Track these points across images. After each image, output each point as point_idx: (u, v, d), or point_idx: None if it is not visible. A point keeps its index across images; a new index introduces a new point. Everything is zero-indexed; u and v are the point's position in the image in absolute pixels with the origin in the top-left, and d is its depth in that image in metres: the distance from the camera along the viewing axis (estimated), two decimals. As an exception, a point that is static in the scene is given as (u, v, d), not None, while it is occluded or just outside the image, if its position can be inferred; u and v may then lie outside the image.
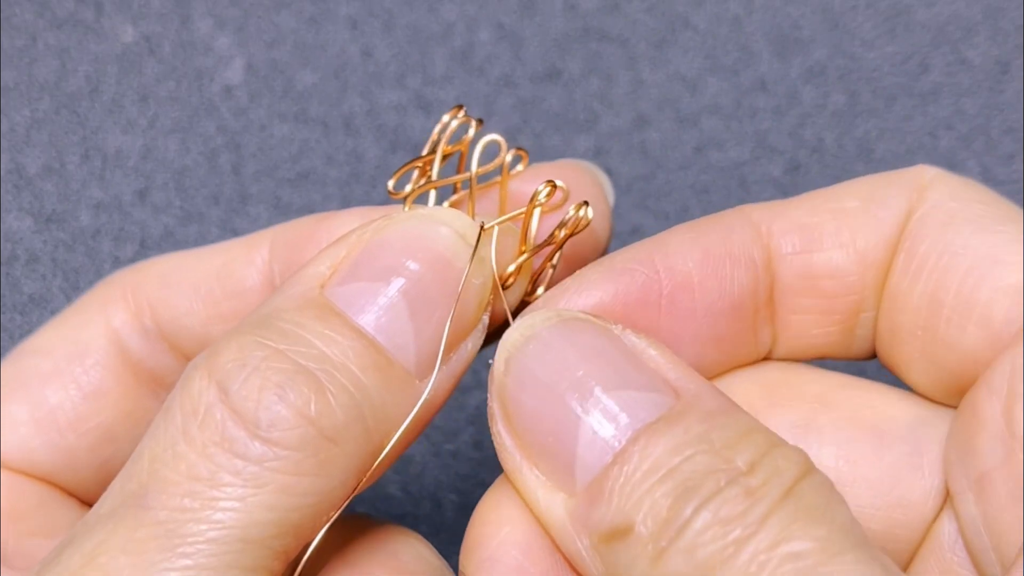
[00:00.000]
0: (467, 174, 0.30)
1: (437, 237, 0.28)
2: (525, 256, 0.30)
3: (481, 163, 0.30)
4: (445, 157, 0.30)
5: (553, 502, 0.26)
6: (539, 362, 0.27)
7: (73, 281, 0.48)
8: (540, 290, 0.31)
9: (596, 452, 0.25)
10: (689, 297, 0.29)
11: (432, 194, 0.30)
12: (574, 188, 0.32)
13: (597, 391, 0.26)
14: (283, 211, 0.49)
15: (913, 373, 0.29)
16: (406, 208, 0.30)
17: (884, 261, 0.29)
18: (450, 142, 0.31)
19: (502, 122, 0.50)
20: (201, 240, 0.49)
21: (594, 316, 0.27)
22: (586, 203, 0.30)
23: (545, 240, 0.30)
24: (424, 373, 0.28)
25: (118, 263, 0.48)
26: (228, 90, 0.51)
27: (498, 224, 0.29)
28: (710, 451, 0.24)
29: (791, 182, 0.48)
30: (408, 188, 0.30)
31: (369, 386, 0.27)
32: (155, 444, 0.26)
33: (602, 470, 0.25)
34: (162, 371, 0.33)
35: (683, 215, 0.48)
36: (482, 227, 0.29)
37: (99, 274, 0.48)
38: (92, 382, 0.33)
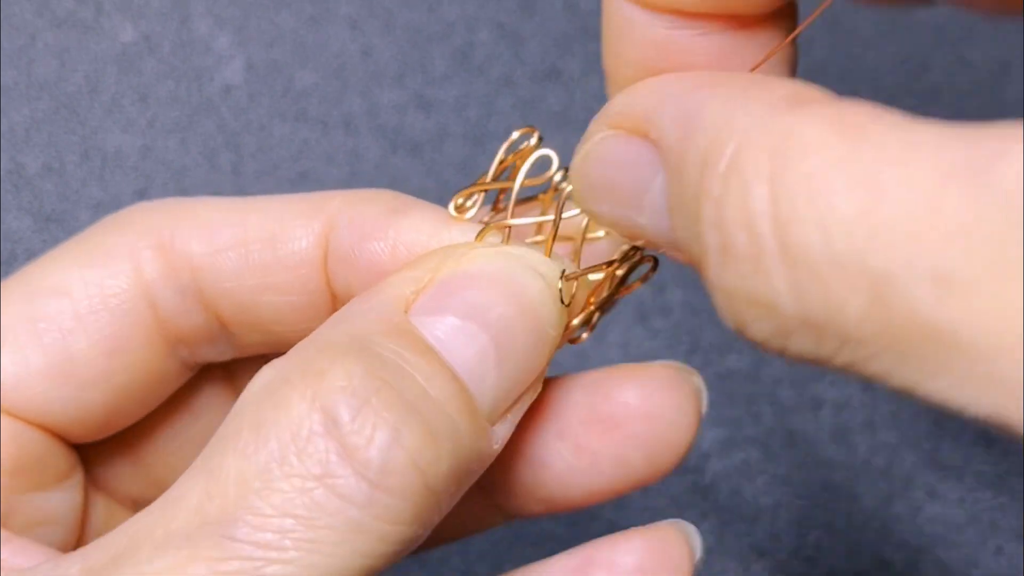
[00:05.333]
0: (547, 216, 0.29)
1: (530, 283, 0.27)
2: (596, 314, 0.29)
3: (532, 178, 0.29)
4: (522, 199, 0.29)
5: None
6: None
7: (73, 281, 0.48)
8: (585, 335, 0.30)
9: None
10: None
11: (479, 199, 0.29)
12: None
13: None
14: (283, 211, 0.49)
15: None
16: (479, 239, 0.28)
17: None
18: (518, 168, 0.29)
19: (502, 122, 0.50)
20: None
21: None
22: (655, 260, 0.29)
23: (612, 292, 0.29)
24: (494, 422, 0.27)
25: (118, 263, 0.48)
26: (228, 90, 0.51)
27: (579, 275, 0.28)
28: None
29: (791, 182, 0.48)
30: (468, 206, 0.29)
31: (464, 434, 0.26)
32: (245, 466, 0.24)
33: None
34: (190, 330, 0.31)
35: (683, 215, 0.48)
36: (564, 276, 0.28)
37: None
38: (118, 336, 0.30)
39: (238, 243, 0.30)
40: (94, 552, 0.25)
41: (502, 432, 0.27)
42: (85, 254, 0.31)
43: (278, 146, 0.50)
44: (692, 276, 0.49)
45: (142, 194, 0.49)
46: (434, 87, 0.50)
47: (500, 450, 0.27)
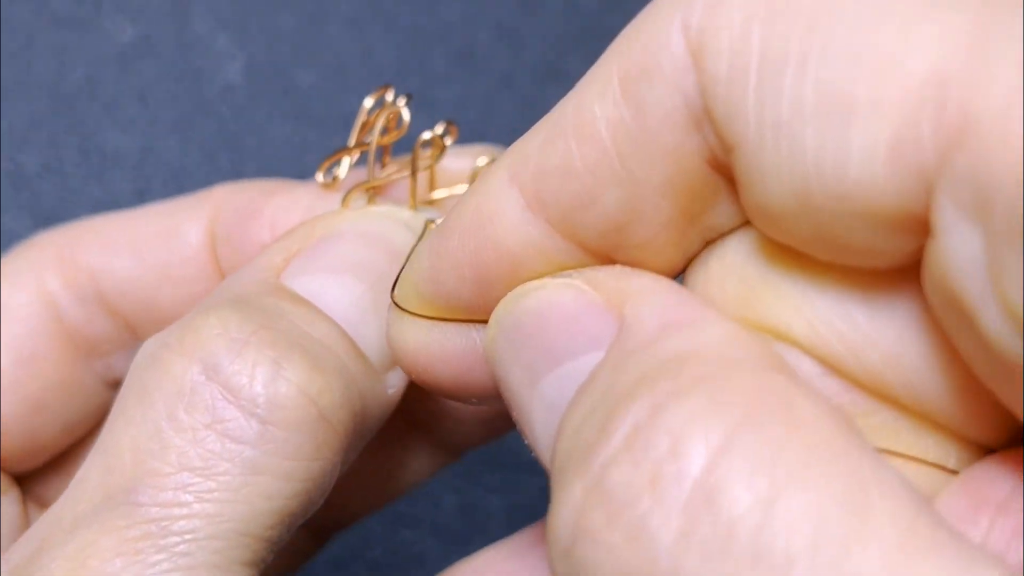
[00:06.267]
0: (405, 172, 0.30)
1: (399, 236, 0.28)
2: None
3: (408, 146, 0.30)
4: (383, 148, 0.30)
5: None
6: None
7: (72, 281, 0.48)
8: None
9: None
10: None
11: (345, 164, 0.30)
12: None
13: None
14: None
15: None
16: (345, 204, 0.29)
17: None
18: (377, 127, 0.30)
19: (502, 122, 0.50)
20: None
21: None
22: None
23: None
24: (385, 370, 0.27)
25: (117, 263, 0.49)
26: (228, 90, 0.51)
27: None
28: None
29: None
30: (336, 175, 0.30)
31: (353, 371, 0.26)
32: (136, 432, 0.24)
33: None
34: (99, 338, 0.31)
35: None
36: (428, 224, 0.29)
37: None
38: (25, 347, 0.30)
39: (131, 245, 0.31)
40: (15, 552, 0.25)
41: (396, 379, 0.27)
42: None
43: (278, 146, 0.50)
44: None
45: (142, 194, 0.49)
46: (434, 87, 0.50)
47: (398, 396, 0.27)
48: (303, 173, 0.50)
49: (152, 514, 0.23)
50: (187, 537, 0.23)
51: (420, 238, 0.28)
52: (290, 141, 0.50)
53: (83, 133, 0.50)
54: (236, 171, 0.50)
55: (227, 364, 0.24)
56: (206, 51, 0.51)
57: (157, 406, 0.24)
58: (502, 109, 0.50)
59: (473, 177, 0.30)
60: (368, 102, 0.30)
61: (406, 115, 0.30)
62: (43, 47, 0.51)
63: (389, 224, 0.28)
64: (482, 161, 0.30)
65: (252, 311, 0.25)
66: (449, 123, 0.30)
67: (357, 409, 0.26)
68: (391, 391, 0.27)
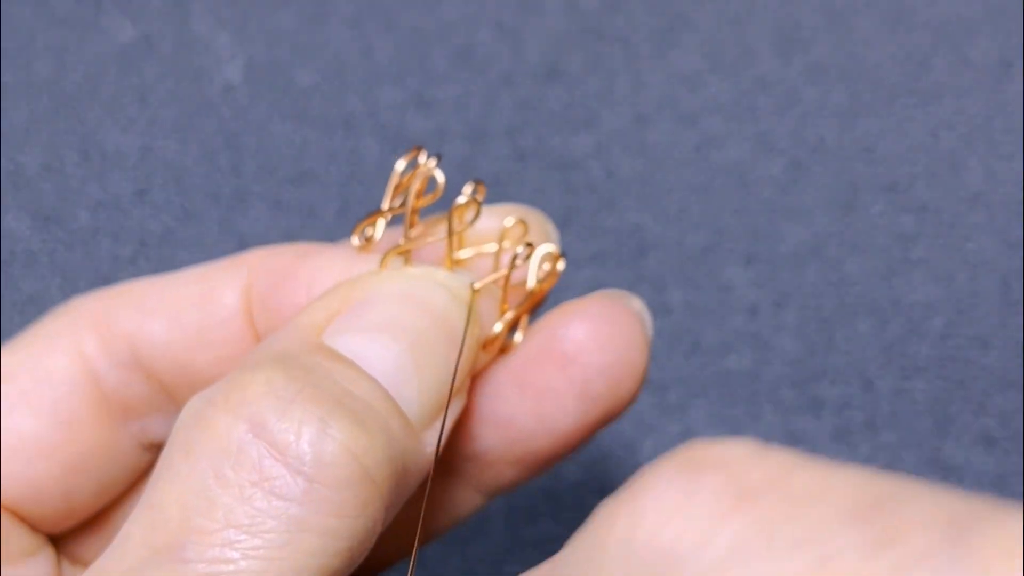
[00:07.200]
0: (437, 234, 0.30)
1: (437, 297, 0.28)
2: (513, 315, 0.31)
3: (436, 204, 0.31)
4: (415, 211, 0.31)
5: None
6: None
7: (72, 281, 0.48)
8: (518, 336, 0.32)
9: None
10: None
11: (380, 227, 0.31)
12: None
13: None
14: (283, 211, 0.49)
15: None
16: (383, 266, 0.30)
17: None
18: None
19: (502, 122, 0.50)
20: (200, 240, 0.49)
21: None
22: (562, 255, 0.31)
23: (528, 299, 0.31)
24: (424, 428, 0.28)
25: (117, 262, 0.48)
26: (228, 90, 0.51)
27: (484, 284, 0.30)
28: None
29: (792, 181, 0.48)
30: (370, 236, 0.31)
31: (395, 430, 0.26)
32: (182, 489, 0.24)
33: None
34: (135, 401, 0.32)
35: (683, 215, 0.48)
36: (472, 288, 0.29)
37: (97, 274, 0.48)
38: (62, 410, 0.31)
39: (167, 309, 0.31)
40: None
41: (432, 437, 0.28)
42: (23, 343, 0.32)
43: (278, 146, 0.50)
44: (692, 276, 0.49)
45: (142, 194, 0.49)
46: (434, 87, 0.50)
47: (432, 456, 0.28)
48: (303, 173, 0.50)
49: (199, 570, 0.23)
50: None
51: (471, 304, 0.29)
52: (290, 141, 0.50)
53: (83, 133, 0.50)
54: (236, 171, 0.50)
55: (274, 422, 0.24)
56: (206, 51, 0.51)
57: (203, 463, 0.24)
58: (502, 109, 0.50)
59: (502, 238, 0.31)
60: (400, 164, 0.31)
61: (440, 177, 0.31)
62: (43, 47, 0.51)
63: (428, 285, 0.29)
64: (509, 221, 0.31)
65: (297, 370, 0.25)
66: (478, 183, 0.31)
67: (399, 468, 0.26)
68: (428, 448, 0.28)
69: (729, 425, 0.45)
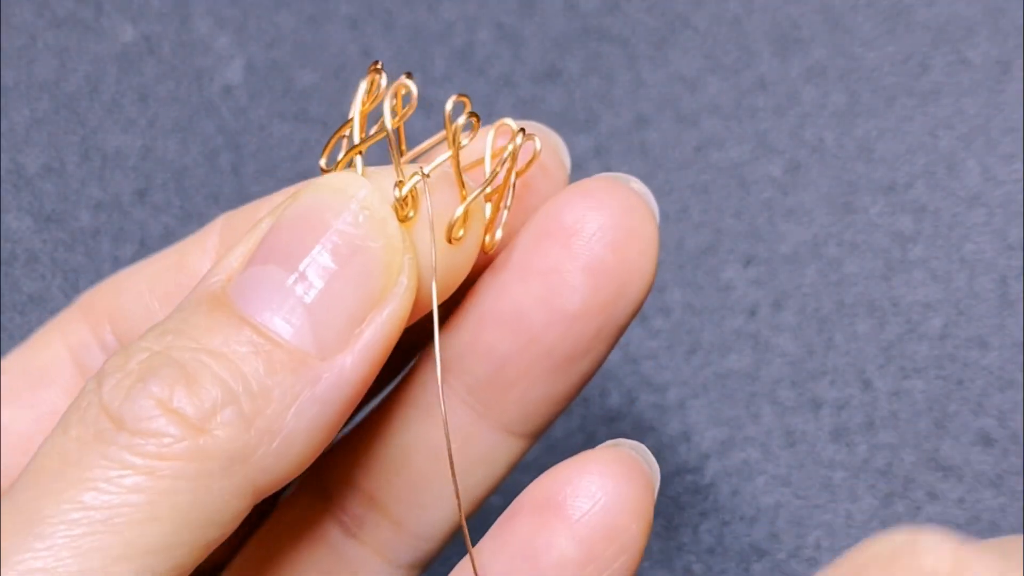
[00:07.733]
0: (384, 130, 0.28)
1: (331, 209, 0.27)
2: (474, 196, 0.28)
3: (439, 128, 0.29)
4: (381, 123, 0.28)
5: None
6: None
7: (73, 281, 0.48)
8: (499, 234, 0.29)
9: None
10: None
11: (359, 165, 0.28)
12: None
13: None
14: (283, 211, 0.49)
15: None
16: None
17: None
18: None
19: (502, 122, 0.50)
20: (201, 240, 0.49)
21: None
22: (523, 130, 0.28)
23: (490, 180, 0.29)
24: (331, 351, 0.27)
25: (118, 263, 0.48)
26: (228, 90, 0.51)
27: (434, 168, 0.28)
28: None
29: (791, 182, 0.48)
30: (338, 160, 0.29)
31: (247, 373, 0.26)
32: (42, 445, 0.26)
33: None
34: None
35: (683, 215, 0.48)
36: (399, 184, 0.27)
37: (99, 274, 0.48)
38: (54, 403, 0.32)
39: (143, 282, 0.32)
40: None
41: (357, 355, 0.27)
42: (22, 345, 0.33)
43: (278, 146, 0.50)
44: (692, 276, 0.49)
45: (142, 194, 0.49)
46: (434, 87, 0.50)
47: (370, 370, 0.27)
48: (303, 173, 0.50)
49: (18, 501, 0.25)
50: (49, 520, 0.25)
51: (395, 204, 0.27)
52: (290, 141, 0.50)
53: (83, 133, 0.50)
54: (236, 171, 0.50)
55: (107, 389, 0.26)
56: (206, 51, 0.51)
57: (61, 422, 0.27)
58: (502, 109, 0.50)
59: (450, 133, 0.28)
60: (363, 85, 0.29)
61: (414, 89, 0.29)
62: (44, 47, 0.51)
63: (325, 197, 0.27)
64: (449, 105, 0.28)
65: (151, 337, 0.27)
66: (461, 95, 0.29)
67: (246, 409, 0.26)
68: (347, 368, 0.27)
69: (729, 425, 0.45)
